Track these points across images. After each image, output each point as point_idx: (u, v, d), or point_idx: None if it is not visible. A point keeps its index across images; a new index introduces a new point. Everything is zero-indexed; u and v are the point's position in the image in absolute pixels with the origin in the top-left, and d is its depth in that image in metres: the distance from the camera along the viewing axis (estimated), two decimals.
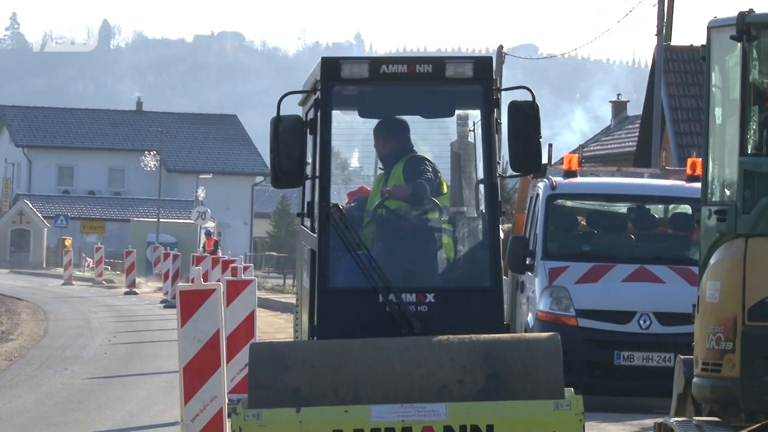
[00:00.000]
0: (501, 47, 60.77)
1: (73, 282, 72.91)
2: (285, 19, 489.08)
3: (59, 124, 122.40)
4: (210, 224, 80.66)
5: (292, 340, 14.39)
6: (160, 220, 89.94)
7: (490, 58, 13.55)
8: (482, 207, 13.56)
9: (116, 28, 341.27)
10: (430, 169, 13.66)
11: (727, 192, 13.73)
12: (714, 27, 13.92)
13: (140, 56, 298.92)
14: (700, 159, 15.44)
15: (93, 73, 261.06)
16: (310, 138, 13.53)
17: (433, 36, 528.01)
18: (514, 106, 13.08)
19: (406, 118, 13.91)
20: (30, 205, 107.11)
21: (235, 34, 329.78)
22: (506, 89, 13.41)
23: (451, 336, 12.76)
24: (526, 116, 13.12)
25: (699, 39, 14.71)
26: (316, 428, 12.31)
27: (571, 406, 12.31)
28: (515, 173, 13.88)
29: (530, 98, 13.22)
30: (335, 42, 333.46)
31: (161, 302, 52.08)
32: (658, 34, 44.58)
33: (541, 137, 13.44)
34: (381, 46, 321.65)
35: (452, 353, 12.65)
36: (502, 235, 13.57)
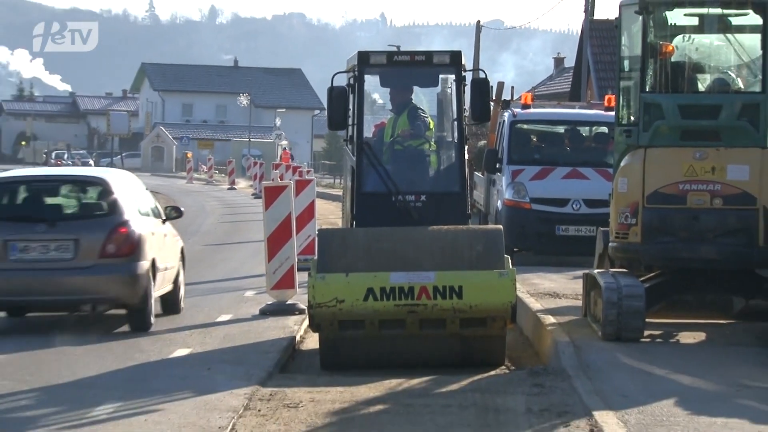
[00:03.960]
0: (479, 22, 60.32)
1: (193, 181, 73.05)
2: (332, 3, 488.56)
3: (182, 75, 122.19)
4: (284, 142, 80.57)
5: (341, 226, 14.84)
6: (251, 139, 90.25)
7: (459, 51, 14.07)
8: (455, 140, 14.20)
9: (220, 10, 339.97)
10: (423, 114, 14.39)
11: (632, 117, 13.78)
12: (624, 5, 13.92)
13: (236, 30, 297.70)
14: (614, 95, 15.32)
15: (205, 42, 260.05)
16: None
17: (435, 13, 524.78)
18: (474, 81, 13.95)
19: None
20: (164, 130, 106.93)
21: (300, 14, 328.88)
22: (470, 70, 14.10)
23: (439, 227, 13.30)
24: (481, 88, 13.93)
25: (613, 14, 14.56)
26: (356, 286, 12.59)
27: (508, 275, 12.65)
28: (473, 122, 14.77)
29: (484, 75, 14.27)
30: (367, 19, 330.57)
31: (252, 195, 52.11)
32: (585, 11, 44.49)
33: (490, 100, 15.02)
34: (398, 21, 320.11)
35: (440, 241, 13.12)
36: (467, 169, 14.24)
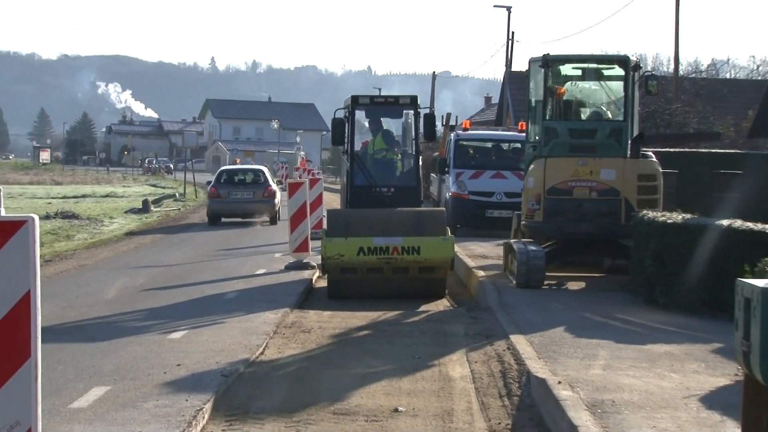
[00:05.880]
0: (434, 72, 60.18)
1: None
2: (336, 56, 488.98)
3: (233, 107, 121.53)
4: (302, 153, 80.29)
5: (340, 207, 14.86)
6: (280, 151, 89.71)
7: (416, 96, 14.45)
8: (413, 152, 14.48)
9: (259, 63, 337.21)
10: (394, 135, 14.71)
11: (537, 137, 13.73)
12: (532, 61, 13.85)
13: (270, 76, 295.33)
14: (525, 122, 15.31)
15: (248, 84, 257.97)
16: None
17: (405, 64, 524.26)
18: (425, 115, 14.09)
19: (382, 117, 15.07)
20: (221, 144, 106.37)
21: (313, 66, 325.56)
22: (422, 108, 14.21)
23: (402, 209, 13.55)
24: (430, 119, 14.10)
25: (525, 67, 14.55)
26: (352, 245, 12.84)
27: (448, 239, 12.96)
28: (425, 141, 14.81)
29: (432, 111, 14.55)
30: (358, 69, 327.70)
31: (280, 188, 51.95)
32: (506, 65, 44.39)
33: (435, 127, 14.88)
34: (380, 71, 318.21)
35: (405, 218, 13.27)
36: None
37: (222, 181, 27.17)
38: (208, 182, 28.82)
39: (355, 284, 13.16)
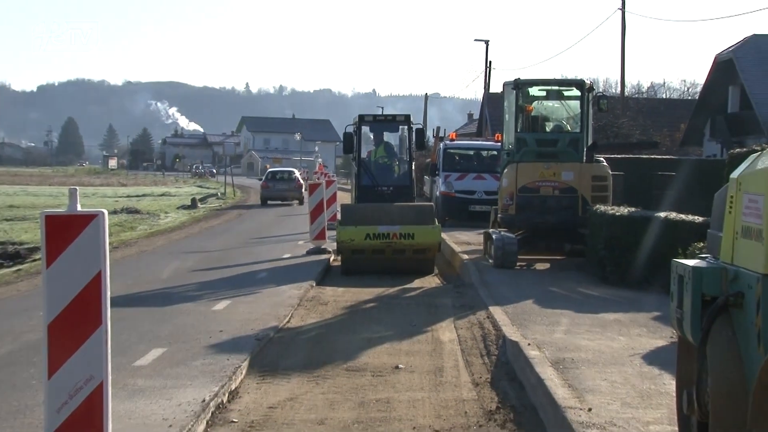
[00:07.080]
0: (426, 94, 59.94)
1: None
2: (347, 81, 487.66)
3: (264, 123, 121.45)
4: (320, 160, 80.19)
5: (351, 203, 14.85)
6: (302, 158, 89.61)
7: (409, 114, 14.65)
8: (407, 159, 14.62)
9: (284, 86, 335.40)
10: (392, 146, 14.89)
11: (510, 146, 13.65)
12: (506, 84, 13.79)
13: (294, 98, 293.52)
14: (501, 134, 15.28)
15: (276, 104, 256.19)
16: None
17: (405, 86, 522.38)
18: (417, 129, 14.30)
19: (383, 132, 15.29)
20: (254, 153, 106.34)
21: (328, 89, 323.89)
22: (415, 124, 14.29)
23: (399, 203, 13.69)
24: (421, 134, 14.36)
25: (500, 89, 14.51)
26: (361, 232, 12.96)
27: (436, 227, 13.12)
28: (417, 149, 15.01)
29: (422, 127, 14.93)
30: (365, 91, 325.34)
31: (304, 189, 51.86)
32: (485, 87, 44.33)
33: (425, 139, 15.50)
34: (383, 93, 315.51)
35: (402, 211, 13.34)
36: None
37: (269, 178, 35.32)
38: (259, 178, 37.77)
39: (362, 263, 13.23)
